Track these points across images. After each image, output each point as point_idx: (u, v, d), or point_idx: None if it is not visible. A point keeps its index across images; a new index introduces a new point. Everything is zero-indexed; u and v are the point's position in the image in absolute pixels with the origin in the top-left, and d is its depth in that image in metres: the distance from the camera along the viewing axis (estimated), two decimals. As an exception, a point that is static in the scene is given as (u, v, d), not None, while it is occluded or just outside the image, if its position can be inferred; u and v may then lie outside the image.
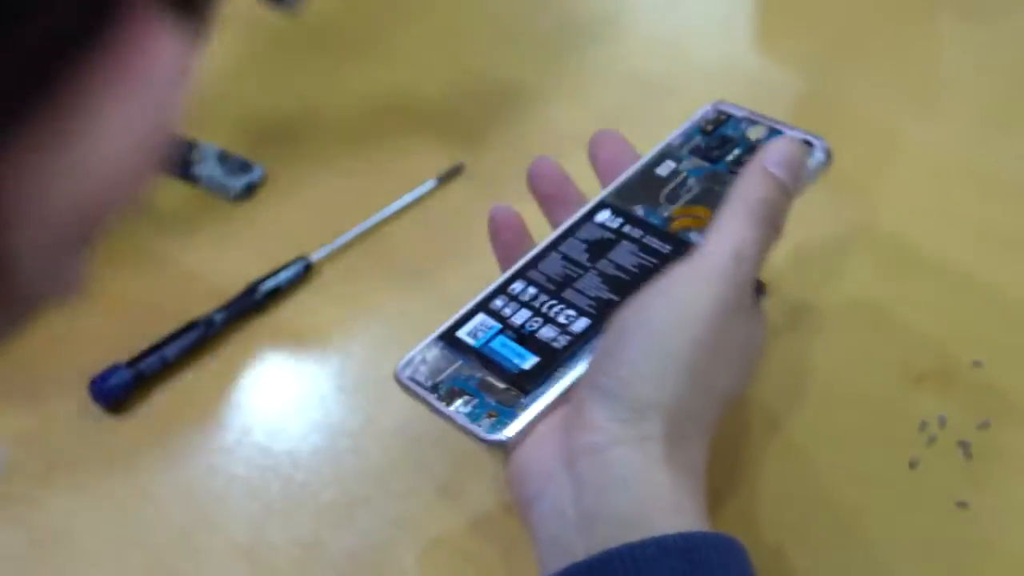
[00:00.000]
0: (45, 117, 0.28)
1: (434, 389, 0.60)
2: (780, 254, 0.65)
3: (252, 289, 0.72)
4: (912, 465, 0.66)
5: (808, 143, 0.61)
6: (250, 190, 0.78)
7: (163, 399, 0.69)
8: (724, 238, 0.55)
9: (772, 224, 0.57)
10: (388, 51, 0.82)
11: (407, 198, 0.75)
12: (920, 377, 0.69)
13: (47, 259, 0.31)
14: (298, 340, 0.72)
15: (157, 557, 0.64)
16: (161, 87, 0.30)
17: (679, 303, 0.54)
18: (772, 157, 0.58)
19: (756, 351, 0.57)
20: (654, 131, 0.70)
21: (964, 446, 0.66)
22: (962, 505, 0.64)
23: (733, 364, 0.55)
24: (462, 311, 0.63)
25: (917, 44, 0.85)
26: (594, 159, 0.66)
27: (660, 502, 0.51)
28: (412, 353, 0.62)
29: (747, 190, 0.57)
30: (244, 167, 0.78)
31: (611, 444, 0.52)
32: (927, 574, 0.62)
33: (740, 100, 0.81)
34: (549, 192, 0.65)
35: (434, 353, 0.62)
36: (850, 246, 0.74)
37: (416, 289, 0.73)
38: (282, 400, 0.70)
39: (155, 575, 0.64)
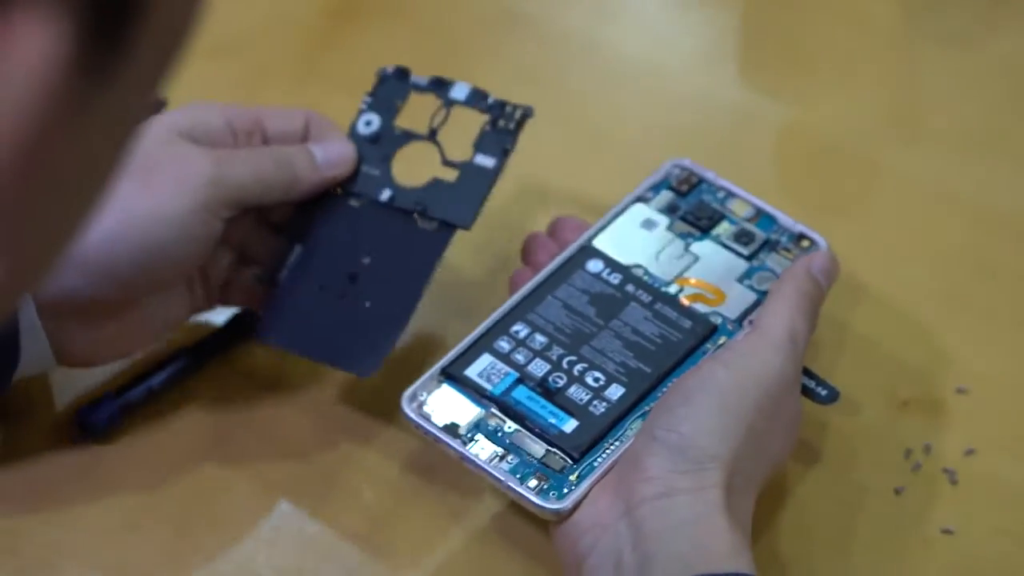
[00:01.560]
0: None
1: (451, 431, 0.61)
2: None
3: (240, 318, 0.72)
4: (897, 492, 0.66)
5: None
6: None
7: (150, 429, 0.69)
8: (781, 321, 0.61)
9: (814, 318, 0.63)
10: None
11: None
12: (905, 404, 0.69)
13: None
14: (285, 370, 0.71)
15: (144, 587, 0.64)
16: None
17: (743, 370, 0.59)
18: (819, 266, 0.64)
19: (796, 429, 0.62)
20: (636, 161, 0.71)
21: (949, 473, 0.67)
22: (947, 532, 0.65)
23: (783, 433, 0.60)
24: (462, 345, 0.63)
25: (899, 72, 0.86)
26: (561, 244, 0.68)
27: (719, 545, 0.55)
28: (416, 386, 0.62)
29: (797, 286, 0.63)
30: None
31: (673, 493, 0.56)
32: (913, 601, 0.62)
33: (724, 131, 0.82)
34: (541, 259, 0.67)
35: (443, 390, 0.62)
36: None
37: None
38: (270, 428, 0.70)
39: (142, 606, 0.64)
